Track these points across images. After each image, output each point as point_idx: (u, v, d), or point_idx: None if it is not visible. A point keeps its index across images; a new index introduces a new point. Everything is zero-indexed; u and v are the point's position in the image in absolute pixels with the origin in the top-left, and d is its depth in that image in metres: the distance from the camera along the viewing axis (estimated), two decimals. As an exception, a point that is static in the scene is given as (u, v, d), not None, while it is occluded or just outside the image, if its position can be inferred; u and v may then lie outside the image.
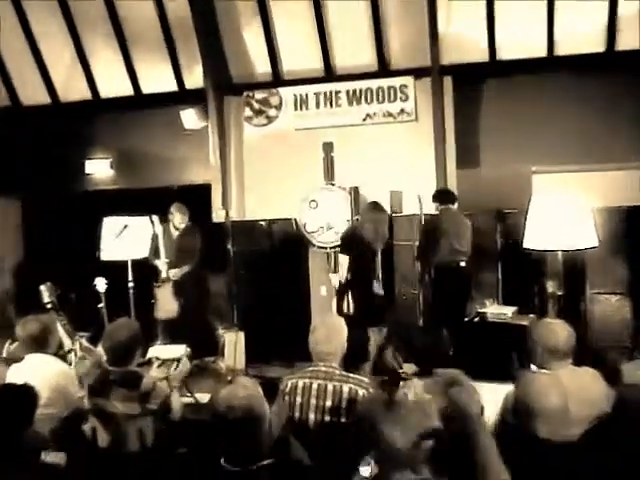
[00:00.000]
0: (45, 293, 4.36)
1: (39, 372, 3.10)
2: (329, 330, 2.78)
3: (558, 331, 2.61)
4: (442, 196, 5.44)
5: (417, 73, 6.24)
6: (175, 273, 5.72)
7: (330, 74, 6.53)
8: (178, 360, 4.62)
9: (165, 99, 6.96)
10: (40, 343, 3.21)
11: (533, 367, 2.68)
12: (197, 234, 5.94)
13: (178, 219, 5.83)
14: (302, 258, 6.12)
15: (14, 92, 7.39)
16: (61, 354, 3.70)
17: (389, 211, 6.08)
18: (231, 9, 6.49)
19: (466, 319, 5.26)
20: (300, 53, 6.50)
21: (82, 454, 2.73)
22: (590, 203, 3.67)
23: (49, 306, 4.31)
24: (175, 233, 5.87)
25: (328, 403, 2.64)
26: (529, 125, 6.08)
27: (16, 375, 3.13)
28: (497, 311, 5.17)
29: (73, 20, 6.82)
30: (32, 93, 7.34)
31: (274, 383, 2.85)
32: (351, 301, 4.81)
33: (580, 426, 2.39)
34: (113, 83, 7.10)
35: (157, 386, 2.92)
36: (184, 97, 6.87)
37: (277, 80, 6.69)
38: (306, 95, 6.55)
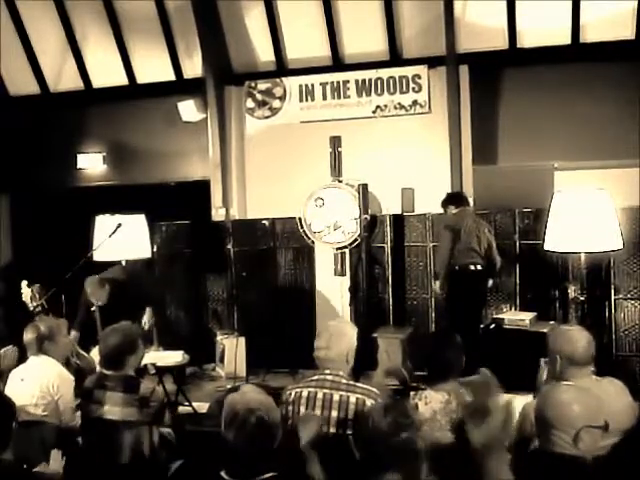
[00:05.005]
0: (35, 295, 4.41)
1: (34, 373, 3.29)
2: (331, 335, 2.80)
3: (576, 338, 2.62)
4: (454, 199, 5.39)
5: (431, 62, 6.27)
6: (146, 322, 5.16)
7: (338, 63, 6.56)
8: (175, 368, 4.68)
9: (162, 89, 7.01)
10: (41, 346, 3.36)
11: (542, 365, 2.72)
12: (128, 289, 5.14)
13: (94, 297, 4.85)
14: (307, 259, 6.15)
15: (1, 81, 7.45)
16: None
17: (400, 210, 6.12)
18: (232, -7, 6.54)
19: (481, 326, 5.28)
20: (306, 40, 6.53)
21: (77, 464, 2.78)
22: (616, 202, 3.67)
23: (38, 309, 4.35)
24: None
25: (334, 414, 2.66)
26: (551, 118, 6.08)
27: (14, 376, 3.35)
28: (515, 317, 5.18)
29: (63, 4, 6.88)
30: (20, 82, 7.41)
31: (277, 392, 2.87)
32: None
33: (603, 441, 2.40)
34: (106, 72, 7.16)
35: (155, 390, 3.01)
36: (182, 87, 6.91)
37: (281, 69, 6.72)
38: (312, 85, 6.58)
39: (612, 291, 5.25)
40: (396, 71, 6.35)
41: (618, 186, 4.64)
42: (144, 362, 3.81)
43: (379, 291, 6.00)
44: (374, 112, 6.42)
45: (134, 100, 7.11)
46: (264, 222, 6.29)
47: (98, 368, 3.19)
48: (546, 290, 5.47)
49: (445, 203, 5.40)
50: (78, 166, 7.38)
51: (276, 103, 6.70)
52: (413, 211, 6.06)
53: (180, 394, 4.72)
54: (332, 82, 6.52)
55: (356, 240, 5.77)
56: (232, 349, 5.61)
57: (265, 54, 6.72)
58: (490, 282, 5.36)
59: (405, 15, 6.26)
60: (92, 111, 7.30)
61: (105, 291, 4.95)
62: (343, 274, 5.87)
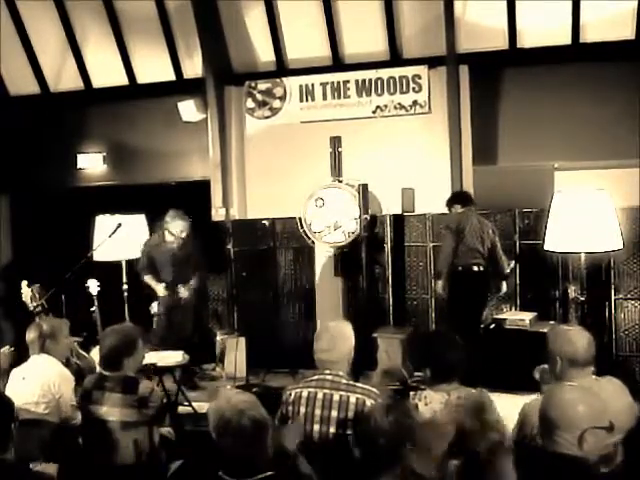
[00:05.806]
0: (35, 295, 4.41)
1: (36, 372, 3.31)
2: (333, 336, 2.80)
3: (576, 339, 2.61)
4: (460, 198, 5.41)
5: (431, 62, 6.26)
6: (184, 291, 5.47)
7: (338, 63, 6.55)
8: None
9: (162, 89, 7.00)
10: (43, 345, 3.39)
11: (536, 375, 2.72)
12: (193, 243, 5.61)
13: (178, 228, 5.40)
14: (307, 259, 6.15)
15: (1, 81, 7.45)
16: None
17: (400, 210, 6.12)
18: (233, -7, 6.54)
19: (482, 326, 5.27)
20: (306, 40, 6.53)
21: (75, 464, 2.78)
22: (616, 202, 3.67)
23: (38, 309, 4.35)
24: (172, 245, 5.49)
25: (334, 414, 2.66)
26: (551, 118, 6.08)
27: (16, 375, 3.38)
28: (515, 317, 5.18)
29: (63, 4, 6.87)
30: (20, 82, 7.40)
31: (277, 392, 2.87)
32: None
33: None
34: (106, 72, 7.15)
35: (154, 391, 3.01)
36: (182, 87, 6.91)
37: (281, 69, 6.71)
38: (312, 85, 6.58)
39: (612, 291, 5.25)
40: (396, 71, 6.35)
41: (618, 186, 4.65)
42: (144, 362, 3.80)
43: (379, 291, 6.00)
44: (374, 112, 6.42)
45: (134, 100, 7.10)
46: (264, 222, 6.29)
47: (98, 369, 3.18)
48: (546, 290, 5.48)
49: (450, 202, 5.39)
50: (78, 166, 7.37)
51: (276, 103, 6.70)
52: (413, 211, 6.06)
53: (180, 394, 4.72)
54: (332, 82, 6.51)
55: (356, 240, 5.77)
56: (232, 349, 5.61)
57: (265, 54, 6.71)
58: (504, 285, 5.33)
59: (405, 15, 6.25)
60: (92, 111, 7.30)
61: (187, 225, 5.40)
62: (342, 274, 5.87)
